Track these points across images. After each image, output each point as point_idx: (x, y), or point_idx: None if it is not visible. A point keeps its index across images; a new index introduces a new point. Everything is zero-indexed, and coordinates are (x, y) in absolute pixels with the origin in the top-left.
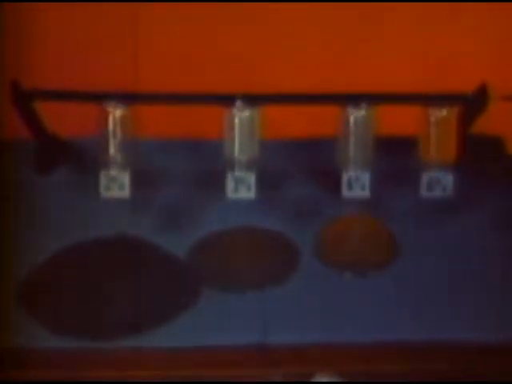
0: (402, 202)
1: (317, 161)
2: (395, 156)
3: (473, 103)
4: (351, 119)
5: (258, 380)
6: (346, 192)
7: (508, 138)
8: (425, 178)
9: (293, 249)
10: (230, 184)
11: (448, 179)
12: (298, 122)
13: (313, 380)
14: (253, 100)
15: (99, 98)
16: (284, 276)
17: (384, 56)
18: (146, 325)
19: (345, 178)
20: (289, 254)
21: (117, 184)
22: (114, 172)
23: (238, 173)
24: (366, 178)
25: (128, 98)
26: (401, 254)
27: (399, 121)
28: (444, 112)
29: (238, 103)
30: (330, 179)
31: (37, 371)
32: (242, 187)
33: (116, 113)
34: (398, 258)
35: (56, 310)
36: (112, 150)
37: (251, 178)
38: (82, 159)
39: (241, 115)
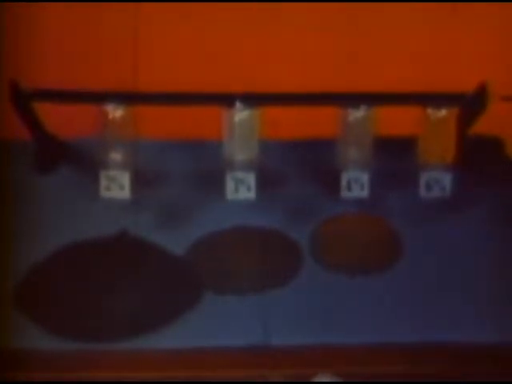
0: (400, 202)
1: (316, 161)
2: (394, 156)
3: (472, 104)
4: (350, 120)
5: (259, 381)
6: (345, 192)
7: (507, 138)
8: (424, 178)
9: (293, 249)
10: (229, 184)
11: (447, 179)
12: (298, 123)
13: (313, 381)
14: (252, 100)
15: (99, 98)
16: (284, 277)
17: (383, 56)
18: (147, 326)
19: (344, 178)
20: (289, 255)
21: (117, 184)
22: (113, 172)
23: (237, 173)
24: (365, 178)
25: (127, 99)
26: (400, 253)
27: (398, 121)
28: (443, 112)
29: (238, 103)
30: (330, 179)
31: (36, 372)
32: (241, 187)
33: (116, 113)
34: (398, 258)
35: (55, 311)
36: (112, 151)
37: (251, 179)
38: (82, 159)
39: (240, 115)
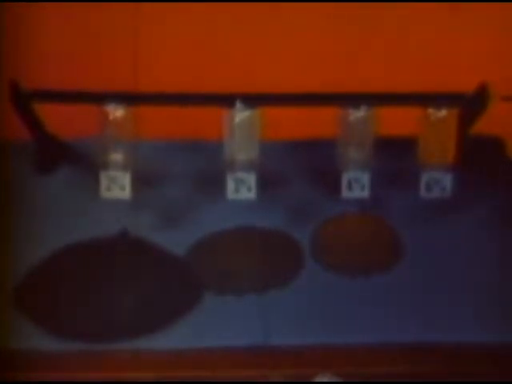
0: (401, 203)
1: (317, 161)
2: (395, 157)
3: (472, 104)
4: (351, 120)
5: (259, 381)
6: (345, 192)
7: (508, 138)
8: (424, 178)
9: (293, 249)
10: (230, 185)
11: (447, 180)
12: (298, 123)
13: (313, 381)
14: (253, 101)
15: (99, 98)
16: (285, 277)
17: (384, 56)
18: (147, 326)
19: (345, 178)
20: (289, 255)
21: (117, 185)
22: (114, 173)
23: (238, 173)
24: (365, 178)
25: (128, 99)
26: (401, 254)
27: (399, 121)
28: (443, 113)
29: (238, 104)
30: (330, 180)
31: (36, 372)
32: (242, 188)
33: (116, 113)
34: (399, 259)
35: (55, 311)
36: (112, 151)
37: (251, 179)
38: (82, 160)
39: (241, 116)
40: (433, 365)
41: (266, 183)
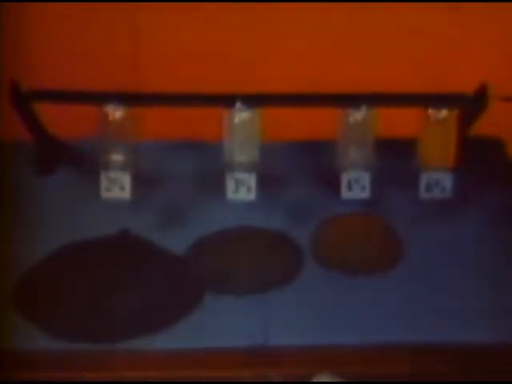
0: (401, 203)
1: (317, 162)
2: (395, 157)
3: (472, 104)
4: (351, 120)
5: (259, 381)
6: (345, 193)
7: (507, 139)
8: (424, 179)
9: (293, 249)
10: (230, 185)
11: (447, 180)
12: (298, 124)
13: (313, 381)
14: (253, 101)
15: (99, 99)
16: (284, 277)
17: (384, 57)
18: (147, 325)
19: (345, 179)
20: (289, 255)
21: (117, 185)
22: (114, 173)
23: (238, 174)
24: (365, 179)
25: (128, 99)
26: (401, 254)
27: (399, 122)
28: (444, 113)
29: (238, 104)
30: (330, 180)
31: (36, 372)
32: (242, 188)
33: (116, 114)
34: (399, 258)
35: (55, 311)
36: (112, 152)
37: (251, 179)
38: (82, 161)
39: (241, 116)
40: (433, 365)
41: (265, 183)
